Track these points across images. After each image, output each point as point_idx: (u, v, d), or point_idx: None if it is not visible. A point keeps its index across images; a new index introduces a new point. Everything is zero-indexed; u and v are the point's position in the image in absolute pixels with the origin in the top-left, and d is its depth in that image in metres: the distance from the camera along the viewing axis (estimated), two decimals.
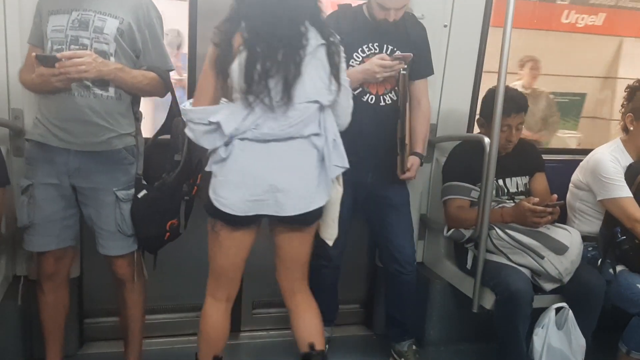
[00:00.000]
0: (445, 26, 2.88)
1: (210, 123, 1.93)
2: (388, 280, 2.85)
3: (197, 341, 2.21)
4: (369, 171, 2.62)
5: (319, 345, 2.18)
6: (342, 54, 2.08)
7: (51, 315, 2.40)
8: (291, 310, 2.26)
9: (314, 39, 1.95)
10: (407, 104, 2.51)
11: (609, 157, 2.81)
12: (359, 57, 2.52)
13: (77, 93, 2.13)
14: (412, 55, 2.45)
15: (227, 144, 1.95)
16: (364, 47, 2.53)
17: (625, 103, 2.94)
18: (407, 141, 2.52)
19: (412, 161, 2.59)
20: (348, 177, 2.35)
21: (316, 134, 2.01)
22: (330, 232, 2.21)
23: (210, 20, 2.60)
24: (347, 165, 2.11)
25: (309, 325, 2.22)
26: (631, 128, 2.86)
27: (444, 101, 2.97)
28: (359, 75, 2.45)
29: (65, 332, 2.47)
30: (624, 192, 2.74)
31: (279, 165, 1.97)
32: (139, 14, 2.21)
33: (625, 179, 2.77)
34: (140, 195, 2.27)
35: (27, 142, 2.27)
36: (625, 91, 2.96)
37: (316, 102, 1.98)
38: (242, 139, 1.94)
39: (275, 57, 1.88)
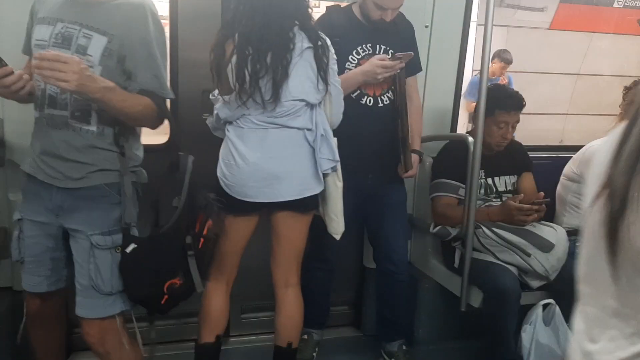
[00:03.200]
0: (426, 27, 2.89)
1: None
2: (381, 280, 2.85)
3: (198, 326, 2.35)
4: (369, 172, 2.63)
5: (295, 344, 2.39)
6: (333, 57, 2.21)
7: (41, 344, 2.18)
8: (279, 302, 2.38)
9: (301, 43, 2.10)
10: (407, 102, 2.52)
11: (607, 149, 2.83)
12: (354, 60, 2.51)
13: (51, 125, 1.86)
14: (412, 54, 2.46)
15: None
16: (358, 48, 2.52)
17: (622, 103, 3.00)
18: (409, 139, 2.53)
19: (413, 158, 2.60)
20: (348, 182, 2.43)
21: (309, 129, 2.18)
22: (334, 227, 2.34)
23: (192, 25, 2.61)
24: (337, 159, 2.24)
25: (293, 324, 2.38)
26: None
27: (427, 101, 2.98)
28: (359, 77, 2.46)
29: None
30: None
31: (275, 154, 2.14)
32: (134, 27, 1.86)
33: None
34: (129, 249, 1.91)
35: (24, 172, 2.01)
36: (623, 92, 3.02)
37: (302, 100, 2.14)
38: (237, 127, 2.15)
39: (264, 60, 2.04)
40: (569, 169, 3.02)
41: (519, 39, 6.11)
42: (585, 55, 6.54)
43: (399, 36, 2.58)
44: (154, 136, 2.60)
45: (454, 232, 2.74)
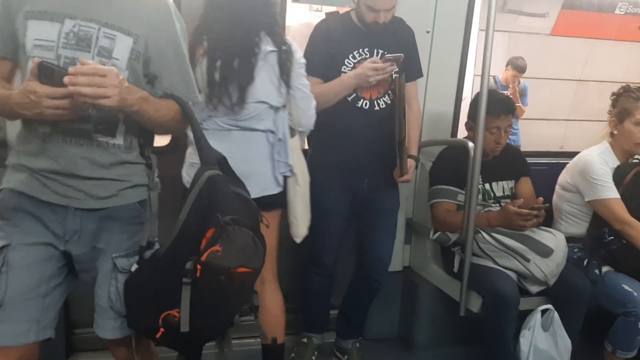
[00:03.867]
0: (427, 32, 2.90)
1: None
2: (358, 282, 2.87)
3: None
4: (366, 177, 2.63)
5: (280, 339, 2.42)
6: (299, 61, 2.28)
7: None
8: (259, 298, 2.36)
9: (266, 46, 2.17)
10: (405, 106, 2.52)
11: (598, 159, 2.85)
12: (350, 64, 2.52)
13: (73, 141, 1.60)
14: (402, 55, 2.46)
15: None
16: (355, 52, 2.52)
17: (611, 109, 3.00)
18: (406, 143, 2.53)
19: (409, 163, 2.60)
20: (345, 185, 2.49)
21: (272, 131, 2.26)
22: (295, 230, 2.38)
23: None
24: (290, 162, 2.30)
25: (275, 319, 2.41)
26: (615, 132, 2.92)
27: (428, 106, 2.99)
28: (352, 80, 2.46)
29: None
30: (612, 193, 2.77)
31: (236, 154, 2.11)
32: (160, 25, 1.68)
33: (613, 180, 2.81)
34: (133, 268, 1.73)
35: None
36: (610, 98, 3.01)
37: (264, 102, 2.21)
38: (202, 129, 2.11)
39: (232, 64, 2.12)
40: (562, 178, 3.03)
41: (521, 45, 6.12)
42: (587, 62, 6.56)
43: (397, 41, 2.59)
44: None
45: (453, 237, 2.74)
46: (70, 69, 1.41)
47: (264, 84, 2.19)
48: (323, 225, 2.60)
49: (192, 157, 2.22)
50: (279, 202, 2.33)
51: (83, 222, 1.66)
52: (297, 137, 2.38)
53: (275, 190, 2.30)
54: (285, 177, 2.34)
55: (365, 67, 2.43)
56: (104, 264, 1.73)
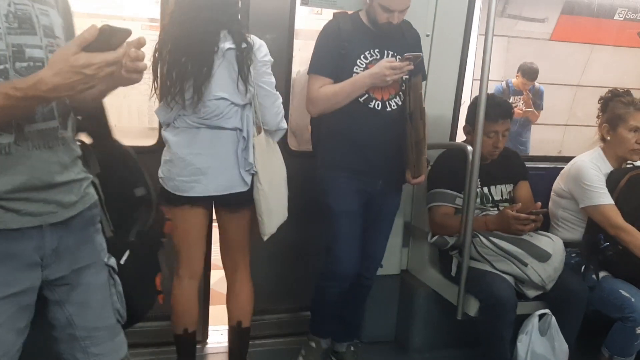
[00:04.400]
0: (427, 36, 2.90)
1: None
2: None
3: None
4: (380, 178, 2.61)
5: (245, 323, 2.58)
6: (264, 59, 2.34)
7: None
8: (229, 285, 2.60)
9: (224, 44, 2.24)
10: (424, 107, 2.50)
11: (591, 165, 2.85)
12: (362, 64, 2.51)
13: (41, 144, 1.36)
14: (421, 54, 2.46)
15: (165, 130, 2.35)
16: (366, 53, 2.51)
17: (600, 114, 3.00)
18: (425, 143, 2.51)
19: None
20: (360, 187, 2.52)
21: (240, 129, 2.33)
22: (261, 228, 2.42)
23: None
24: (250, 160, 2.33)
25: (241, 304, 2.58)
26: (608, 138, 2.92)
27: (427, 109, 2.97)
28: (367, 80, 2.45)
29: None
30: (606, 199, 2.77)
31: (204, 150, 2.30)
32: None
33: (607, 186, 2.81)
34: (124, 259, 1.66)
35: None
36: (598, 102, 3.01)
37: (224, 99, 2.27)
38: (173, 127, 2.32)
39: (187, 64, 2.21)
40: (557, 184, 3.03)
41: (520, 49, 6.13)
42: (586, 67, 6.56)
43: (406, 42, 2.58)
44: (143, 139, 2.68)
45: (451, 241, 2.75)
46: (131, 52, 1.29)
47: (223, 81, 2.26)
48: (339, 230, 2.57)
49: (165, 154, 2.36)
50: (246, 200, 2.38)
51: (59, 238, 1.43)
52: (262, 134, 2.40)
53: (242, 188, 2.36)
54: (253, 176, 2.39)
55: (383, 66, 2.41)
56: (96, 276, 1.54)
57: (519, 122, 5.65)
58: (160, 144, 2.52)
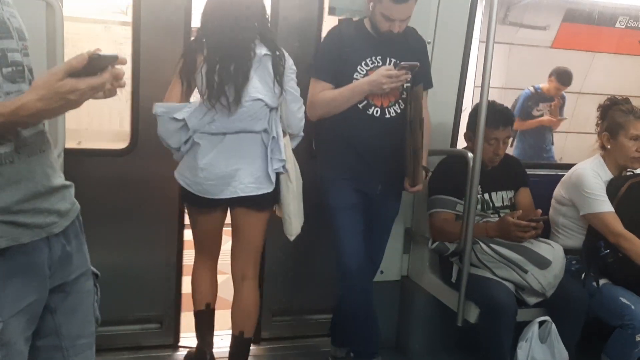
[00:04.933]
0: (429, 43, 2.91)
1: (177, 120, 2.37)
2: None
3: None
4: (379, 182, 2.63)
5: (248, 334, 2.62)
6: (291, 67, 2.50)
7: None
8: (235, 293, 2.64)
9: (260, 51, 2.39)
10: (422, 116, 2.50)
11: (591, 173, 2.85)
12: (362, 71, 2.52)
13: (36, 149, 1.34)
14: (418, 64, 2.46)
15: (186, 142, 2.41)
16: (367, 60, 2.53)
17: (599, 122, 3.01)
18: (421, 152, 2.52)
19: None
20: (359, 186, 2.56)
21: (265, 131, 2.45)
22: (287, 228, 2.54)
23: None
24: (283, 157, 2.46)
25: (245, 315, 2.62)
26: (608, 146, 2.92)
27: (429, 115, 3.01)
28: (365, 86, 2.47)
29: None
30: (607, 206, 2.78)
31: (231, 154, 2.41)
32: None
33: (607, 193, 2.82)
34: None
35: None
36: (597, 110, 3.02)
37: (259, 100, 2.40)
38: (201, 133, 2.39)
39: (229, 69, 2.34)
40: (557, 192, 3.03)
41: (521, 57, 6.14)
42: (587, 74, 6.58)
43: (409, 50, 2.59)
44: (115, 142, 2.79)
45: (452, 247, 2.75)
46: (121, 59, 1.27)
47: (259, 84, 2.40)
48: (341, 225, 2.61)
49: (188, 159, 2.45)
50: (271, 200, 2.52)
51: (62, 247, 1.43)
52: (287, 137, 2.53)
53: (269, 188, 2.47)
54: (278, 176, 2.50)
55: (380, 74, 2.43)
56: (86, 283, 1.52)
57: (542, 130, 5.43)
58: (134, 145, 2.68)
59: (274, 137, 2.45)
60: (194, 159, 2.41)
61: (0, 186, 1.26)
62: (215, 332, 2.77)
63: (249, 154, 2.44)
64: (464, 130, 2.92)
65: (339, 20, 2.65)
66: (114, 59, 1.24)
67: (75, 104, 1.21)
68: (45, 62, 2.27)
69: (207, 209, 2.52)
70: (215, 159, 2.40)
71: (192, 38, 2.53)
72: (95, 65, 1.20)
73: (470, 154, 2.55)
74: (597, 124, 3.02)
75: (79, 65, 1.17)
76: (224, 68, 2.34)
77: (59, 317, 1.46)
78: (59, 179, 1.42)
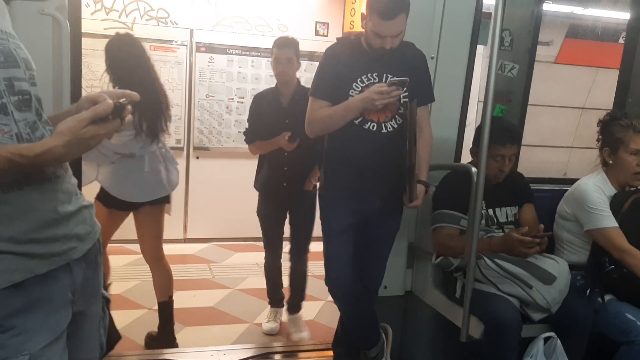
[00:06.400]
0: (432, 58, 2.92)
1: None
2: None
3: None
4: (377, 198, 2.63)
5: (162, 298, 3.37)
6: None
7: None
8: (151, 270, 3.36)
9: None
10: (417, 132, 2.52)
11: (594, 188, 2.85)
12: (358, 87, 2.53)
13: (58, 172, 1.36)
14: (407, 79, 2.45)
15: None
16: (363, 77, 2.53)
17: (600, 137, 3.00)
18: (416, 169, 2.53)
19: (419, 189, 2.60)
20: (357, 207, 2.57)
21: None
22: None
23: None
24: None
25: (160, 285, 3.36)
26: (610, 161, 2.91)
27: (432, 130, 3.00)
28: (359, 103, 2.47)
29: None
30: (610, 222, 2.77)
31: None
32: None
33: (611, 209, 2.81)
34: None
35: None
36: (597, 125, 3.02)
37: None
38: None
39: None
40: (561, 207, 3.03)
41: None
42: (591, 90, 6.58)
43: (407, 65, 2.60)
44: None
45: (456, 262, 2.74)
46: (125, 92, 1.34)
47: None
48: (331, 250, 2.66)
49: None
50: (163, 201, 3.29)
51: (84, 272, 1.43)
52: None
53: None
54: None
55: (372, 90, 2.44)
56: (95, 310, 1.52)
57: None
58: None
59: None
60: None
61: (9, 216, 1.23)
62: (216, 347, 2.77)
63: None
64: (469, 145, 2.92)
65: (337, 38, 2.68)
66: (128, 107, 1.29)
67: (92, 147, 1.26)
68: (51, 77, 2.29)
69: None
70: None
71: None
72: (115, 111, 1.26)
73: (474, 169, 2.55)
74: (597, 139, 3.02)
75: (105, 113, 1.22)
76: None
77: (72, 341, 1.43)
78: (76, 203, 1.40)
